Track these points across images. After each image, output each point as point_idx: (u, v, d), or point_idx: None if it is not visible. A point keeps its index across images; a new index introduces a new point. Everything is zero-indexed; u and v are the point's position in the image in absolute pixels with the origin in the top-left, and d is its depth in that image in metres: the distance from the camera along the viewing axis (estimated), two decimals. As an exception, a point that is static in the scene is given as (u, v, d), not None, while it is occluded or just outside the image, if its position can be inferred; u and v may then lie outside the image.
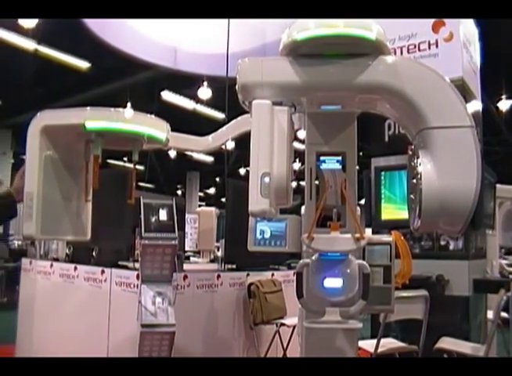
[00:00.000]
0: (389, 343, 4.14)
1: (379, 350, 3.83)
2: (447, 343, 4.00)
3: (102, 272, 4.27)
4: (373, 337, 4.13)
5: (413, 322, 3.95)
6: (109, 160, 16.86)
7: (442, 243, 4.86)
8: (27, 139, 2.55)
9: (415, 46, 5.20)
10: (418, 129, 1.97)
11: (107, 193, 3.47)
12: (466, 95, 4.85)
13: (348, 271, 1.95)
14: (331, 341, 2.13)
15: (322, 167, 2.15)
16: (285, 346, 4.63)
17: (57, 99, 10.34)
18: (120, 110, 2.72)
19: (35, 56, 9.39)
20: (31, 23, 7.94)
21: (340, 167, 2.14)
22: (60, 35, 8.76)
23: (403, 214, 3.63)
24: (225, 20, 6.02)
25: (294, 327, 4.10)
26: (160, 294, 3.44)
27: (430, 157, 1.90)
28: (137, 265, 3.73)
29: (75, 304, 4.56)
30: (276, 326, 4.53)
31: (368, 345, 3.93)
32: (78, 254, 4.93)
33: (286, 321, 4.48)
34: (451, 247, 4.83)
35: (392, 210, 4.92)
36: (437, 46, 5.06)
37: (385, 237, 2.30)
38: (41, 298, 5.11)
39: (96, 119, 2.56)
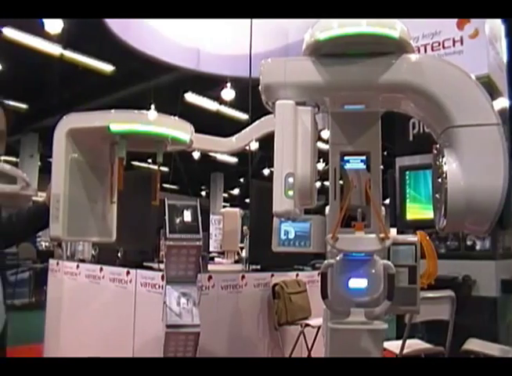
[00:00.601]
0: (415, 344, 4.10)
1: (404, 351, 3.80)
2: (474, 345, 3.94)
3: (128, 273, 4.31)
4: (398, 338, 4.09)
5: (440, 323, 3.91)
6: (134, 162, 17.01)
7: (469, 243, 4.80)
8: (53, 141, 2.58)
9: (439, 44, 5.15)
10: (443, 128, 1.95)
11: (132, 194, 3.49)
12: (493, 93, 4.79)
13: (373, 271, 1.94)
14: (356, 342, 2.12)
15: (346, 167, 2.14)
16: (310, 347, 4.61)
17: (82, 102, 10.47)
18: (144, 112, 2.73)
19: (61, 60, 9.52)
20: (57, 29, 8.05)
21: (364, 167, 2.13)
22: (85, 39, 8.89)
23: (428, 213, 3.60)
24: (248, 21, 6.02)
25: (319, 328, 4.09)
26: (184, 295, 3.45)
27: (456, 155, 1.87)
28: (162, 266, 3.75)
29: (101, 304, 4.61)
30: (301, 326, 4.52)
31: (393, 346, 3.90)
32: (104, 256, 4.99)
33: (311, 322, 4.46)
34: (477, 247, 4.77)
35: (417, 210, 4.89)
36: (462, 43, 5.01)
37: (410, 237, 2.27)
38: (68, 298, 5.18)
39: (120, 121, 2.58)
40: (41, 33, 8.43)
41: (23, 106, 12.82)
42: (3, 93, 11.21)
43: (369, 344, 2.12)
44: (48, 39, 8.79)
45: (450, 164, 1.87)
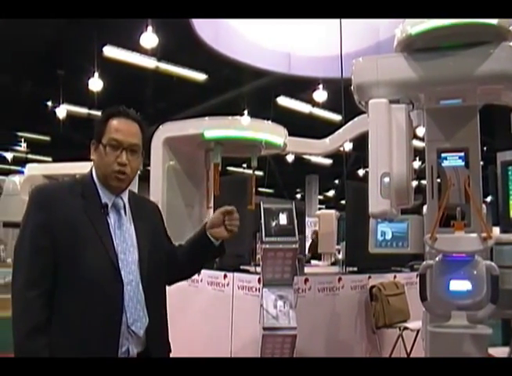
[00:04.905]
0: (524, 351, 3.88)
1: None
2: None
3: (225, 276, 4.39)
4: (504, 344, 3.90)
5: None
6: (229, 168, 17.33)
7: None
8: (150, 150, 2.69)
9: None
10: (549, 119, 1.85)
11: (228, 199, 3.56)
12: None
13: (475, 273, 1.87)
14: (458, 347, 2.05)
15: (443, 164, 2.09)
16: (408, 351, 4.50)
17: (177, 111, 10.81)
18: (238, 117, 2.79)
19: (156, 72, 9.89)
20: (152, 43, 8.38)
21: (462, 163, 2.07)
22: (178, 51, 9.18)
23: (535, 211, 3.41)
24: (337, 21, 5.97)
25: (418, 331, 3.99)
26: (281, 298, 3.47)
27: None
28: (258, 269, 3.80)
29: (200, 307, 4.72)
30: (399, 329, 4.42)
31: (499, 352, 3.71)
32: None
33: (410, 325, 4.36)
34: None
35: (522, 207, 4.63)
36: None
37: (515, 236, 2.18)
38: (167, 300, 5.35)
39: (215, 128, 2.64)
40: (137, 48, 8.79)
41: (123, 118, 13.47)
42: (105, 108, 11.83)
43: (472, 349, 2.04)
44: (144, 53, 9.17)
45: (558, 158, 1.77)
